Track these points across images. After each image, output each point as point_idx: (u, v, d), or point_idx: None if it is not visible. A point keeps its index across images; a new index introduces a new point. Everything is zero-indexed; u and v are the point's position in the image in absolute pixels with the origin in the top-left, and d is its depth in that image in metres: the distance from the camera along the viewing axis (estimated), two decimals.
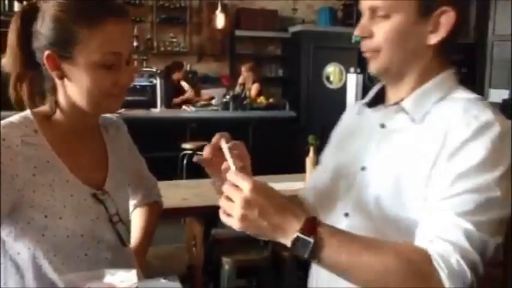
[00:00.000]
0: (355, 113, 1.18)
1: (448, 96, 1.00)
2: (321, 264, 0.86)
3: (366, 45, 1.03)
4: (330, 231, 0.85)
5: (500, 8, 7.70)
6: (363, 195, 1.02)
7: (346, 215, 1.05)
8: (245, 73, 6.39)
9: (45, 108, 1.08)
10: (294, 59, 7.18)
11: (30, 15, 1.03)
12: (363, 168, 1.05)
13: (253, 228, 0.86)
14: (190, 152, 4.68)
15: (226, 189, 0.87)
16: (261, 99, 6.05)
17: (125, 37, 1.04)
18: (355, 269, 0.84)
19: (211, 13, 6.95)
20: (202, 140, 5.11)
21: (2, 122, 1.02)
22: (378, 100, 1.11)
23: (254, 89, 6.31)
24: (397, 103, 1.04)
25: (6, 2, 6.27)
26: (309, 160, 2.65)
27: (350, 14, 7.31)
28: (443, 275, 0.82)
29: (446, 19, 0.97)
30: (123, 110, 5.04)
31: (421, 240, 0.87)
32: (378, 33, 1.00)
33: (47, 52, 1.01)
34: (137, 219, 1.38)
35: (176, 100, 6.10)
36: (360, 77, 7.33)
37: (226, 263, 2.45)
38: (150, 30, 7.07)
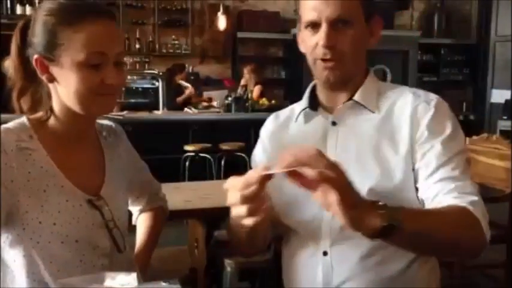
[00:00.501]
0: (300, 122, 1.23)
1: (382, 90, 1.16)
2: (400, 234, 0.85)
3: (333, 53, 1.08)
4: (401, 211, 0.88)
5: (503, 9, 7.70)
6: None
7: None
8: (247, 75, 6.39)
9: (40, 114, 1.09)
10: (296, 61, 7.18)
11: (26, 27, 1.06)
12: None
13: (341, 184, 0.79)
14: (192, 153, 4.68)
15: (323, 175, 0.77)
16: (263, 101, 6.04)
17: (109, 37, 1.04)
18: (433, 231, 0.93)
19: (213, 15, 6.96)
20: (204, 142, 5.13)
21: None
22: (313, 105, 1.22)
23: (256, 90, 6.31)
24: (347, 101, 1.14)
25: (9, 5, 6.28)
26: None
27: None
28: (483, 223, 0.97)
29: (378, 25, 1.16)
30: (125, 112, 5.08)
31: (449, 199, 1.00)
32: (342, 42, 1.08)
33: (35, 56, 1.03)
34: (142, 224, 1.38)
35: (179, 99, 6.11)
36: None
37: (229, 265, 2.45)
38: (152, 32, 7.08)
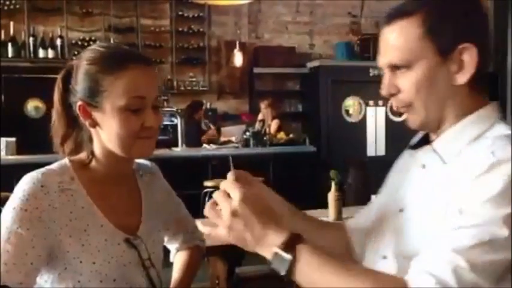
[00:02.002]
0: (408, 155, 1.12)
1: (485, 134, 0.94)
2: (297, 282, 0.86)
3: (396, 102, 1.00)
4: (310, 251, 0.86)
5: None
6: (401, 238, 0.99)
7: (384, 257, 1.02)
8: (264, 109, 6.44)
9: (81, 156, 1.14)
10: (313, 94, 7.22)
11: (68, 75, 1.12)
12: (401, 210, 1.02)
13: (237, 239, 0.89)
14: (212, 189, 4.69)
15: (217, 196, 0.90)
16: (281, 135, 6.06)
17: (148, 82, 1.10)
18: None
19: (230, 52, 7.07)
20: (223, 177, 5.07)
21: (42, 169, 1.08)
22: (427, 139, 1.06)
23: (274, 124, 6.34)
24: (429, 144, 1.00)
25: (32, 48, 6.48)
26: (331, 195, 2.63)
27: (367, 48, 7.35)
28: None
29: (469, 56, 0.92)
30: None
31: (410, 272, 0.83)
32: (404, 88, 0.97)
33: (78, 103, 1.08)
34: (178, 262, 1.38)
35: (204, 138, 6.18)
36: (380, 109, 7.33)
37: None
38: (170, 71, 7.21)
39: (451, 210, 0.85)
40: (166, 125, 6.69)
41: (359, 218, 1.22)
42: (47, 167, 1.10)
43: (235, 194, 0.88)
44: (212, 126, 6.50)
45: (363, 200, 3.35)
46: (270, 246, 0.87)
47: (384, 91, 1.00)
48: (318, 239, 1.16)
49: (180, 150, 5.49)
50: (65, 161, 1.13)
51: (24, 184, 1.04)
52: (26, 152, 4.86)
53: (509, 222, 0.79)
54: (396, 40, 0.95)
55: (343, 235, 1.20)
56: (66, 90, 1.11)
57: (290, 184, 4.93)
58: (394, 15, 0.96)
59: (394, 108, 1.02)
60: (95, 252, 1.05)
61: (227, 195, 0.90)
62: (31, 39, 6.45)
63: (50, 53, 6.49)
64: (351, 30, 7.65)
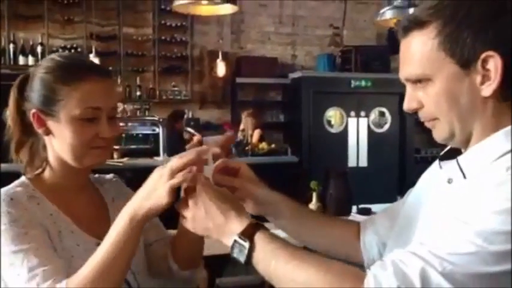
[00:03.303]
0: (437, 166, 1.05)
1: (509, 152, 0.84)
2: (258, 270, 0.87)
3: (421, 116, 0.95)
4: (268, 238, 0.87)
5: None
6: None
7: None
8: (244, 119, 6.44)
9: (37, 170, 1.15)
10: (295, 104, 7.25)
11: (24, 83, 1.13)
12: (415, 225, 0.99)
13: (201, 229, 0.93)
14: None
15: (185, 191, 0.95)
16: (263, 145, 6.06)
17: (105, 93, 1.11)
18: (279, 276, 0.84)
19: (213, 62, 7.09)
20: None
21: (2, 188, 1.09)
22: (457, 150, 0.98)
23: (256, 135, 6.34)
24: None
25: (11, 55, 6.39)
26: (311, 206, 2.64)
27: (348, 60, 7.44)
28: None
29: (493, 64, 0.84)
30: (126, 159, 5.08)
31: (375, 264, 0.80)
32: (427, 102, 0.91)
33: (32, 111, 1.09)
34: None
35: (188, 147, 6.14)
36: (362, 120, 7.39)
37: None
38: (152, 79, 7.18)
39: (451, 219, 0.81)
40: (148, 134, 6.65)
41: (377, 220, 1.19)
42: (5, 187, 1.10)
43: (198, 185, 0.92)
44: (197, 134, 6.46)
45: (344, 210, 3.37)
46: (230, 234, 0.89)
47: (405, 106, 0.95)
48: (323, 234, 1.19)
49: (161, 159, 5.45)
50: (22, 178, 1.14)
51: None
52: (3, 160, 4.78)
53: (502, 239, 0.74)
54: (412, 53, 0.91)
55: (353, 232, 1.19)
56: (22, 97, 1.12)
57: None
58: (408, 27, 0.91)
59: (421, 120, 0.95)
60: (68, 258, 1.05)
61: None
62: (11, 45, 6.39)
63: (30, 60, 6.42)
64: (332, 41, 7.72)
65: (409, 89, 0.94)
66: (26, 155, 1.15)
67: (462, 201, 0.82)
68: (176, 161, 0.95)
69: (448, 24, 0.87)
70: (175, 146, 6.10)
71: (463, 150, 0.95)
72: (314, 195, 2.63)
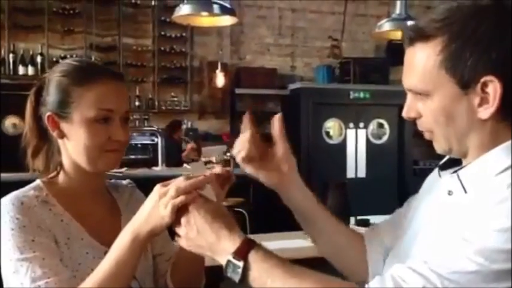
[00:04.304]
0: (437, 175, 1.05)
1: (510, 168, 0.84)
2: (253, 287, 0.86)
3: (419, 125, 0.96)
4: (262, 257, 0.86)
5: None
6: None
7: None
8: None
9: (51, 175, 1.15)
10: (294, 116, 7.25)
11: (41, 89, 1.14)
12: (420, 233, 0.98)
13: (194, 247, 0.93)
14: None
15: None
16: None
17: (118, 96, 1.12)
18: None
19: (212, 72, 7.11)
20: None
21: (14, 192, 1.08)
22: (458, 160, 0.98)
23: None
24: (456, 171, 0.94)
25: (11, 66, 6.40)
26: None
27: (347, 72, 7.47)
28: None
29: (493, 89, 0.84)
30: (125, 169, 5.07)
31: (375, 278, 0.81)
32: (424, 114, 0.92)
33: (47, 114, 1.10)
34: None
35: (184, 155, 6.14)
36: (361, 131, 7.40)
37: None
38: (151, 90, 7.19)
39: (452, 236, 0.81)
40: (147, 144, 6.65)
41: (381, 230, 1.19)
42: (19, 190, 1.10)
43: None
44: (190, 140, 6.46)
45: (343, 221, 3.36)
46: (223, 253, 0.88)
47: (404, 114, 0.96)
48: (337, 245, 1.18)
49: (160, 169, 5.44)
50: (36, 181, 1.14)
51: (6, 210, 1.03)
52: (2, 170, 4.77)
53: (504, 258, 0.74)
54: (415, 65, 0.91)
55: (358, 243, 1.19)
56: (38, 103, 1.13)
57: (270, 206, 4.91)
58: (414, 38, 0.91)
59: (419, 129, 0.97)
60: (75, 265, 1.05)
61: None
62: (11, 55, 6.39)
63: (30, 70, 6.43)
64: (331, 53, 7.76)
65: (409, 97, 0.95)
66: (43, 160, 1.16)
67: (463, 218, 0.83)
68: (182, 182, 0.95)
69: (454, 41, 0.86)
70: (173, 155, 6.10)
71: (463, 162, 0.96)
72: None
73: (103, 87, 1.09)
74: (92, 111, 1.07)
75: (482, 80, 0.85)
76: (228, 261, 0.87)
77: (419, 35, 0.90)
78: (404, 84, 0.95)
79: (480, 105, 0.87)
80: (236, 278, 0.85)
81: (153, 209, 0.95)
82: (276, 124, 1.07)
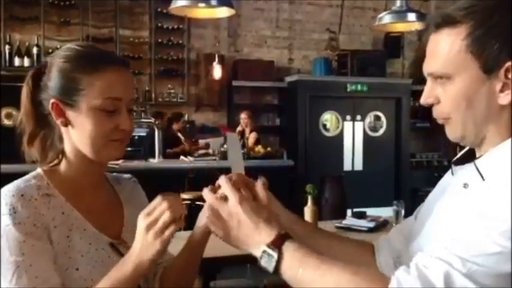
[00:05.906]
0: (450, 173, 1.06)
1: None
2: (286, 280, 0.88)
3: (435, 112, 0.97)
4: (295, 247, 0.89)
5: None
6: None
7: None
8: (245, 120, 6.44)
9: (52, 164, 1.11)
10: (291, 108, 7.27)
11: (39, 73, 1.09)
12: (432, 231, 0.99)
13: (231, 238, 0.95)
14: (188, 202, 4.65)
15: (212, 200, 0.98)
16: (259, 148, 6.07)
17: (125, 84, 1.10)
18: (307, 283, 0.86)
19: (209, 65, 7.09)
20: (200, 190, 5.04)
21: (16, 181, 1.05)
22: (471, 155, 0.99)
23: (252, 138, 6.35)
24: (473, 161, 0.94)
25: (7, 57, 6.38)
26: (307, 209, 2.63)
27: (344, 64, 7.47)
28: None
29: None
30: (121, 161, 5.06)
31: (399, 269, 0.82)
32: (443, 99, 0.94)
33: (52, 100, 1.06)
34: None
35: (169, 151, 6.12)
36: (358, 124, 7.41)
37: None
38: (148, 82, 7.18)
39: (471, 221, 0.82)
40: (143, 136, 6.64)
41: (391, 237, 1.19)
42: (21, 178, 1.07)
43: (232, 196, 0.95)
44: (183, 138, 6.46)
45: (340, 214, 3.38)
46: (259, 244, 0.90)
47: (422, 99, 0.97)
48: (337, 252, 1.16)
49: (156, 162, 5.44)
50: (37, 169, 1.10)
51: (5, 199, 1.00)
52: (15, 161, 4.75)
53: None
54: (439, 49, 0.93)
55: (367, 252, 1.18)
56: (36, 88, 1.09)
57: None
58: (440, 23, 0.93)
59: (434, 116, 0.97)
60: (78, 257, 1.03)
61: (223, 199, 0.97)
62: (7, 47, 6.37)
63: (26, 62, 6.41)
64: (329, 46, 7.75)
65: (429, 83, 0.96)
66: (39, 147, 1.11)
67: (483, 203, 0.83)
68: (168, 215, 0.94)
69: (479, 27, 0.89)
70: (170, 147, 6.11)
71: (477, 153, 0.97)
72: (310, 198, 2.62)
73: (111, 76, 1.06)
74: (99, 100, 1.04)
75: (507, 65, 0.87)
76: (264, 252, 0.89)
77: (446, 22, 0.92)
78: (425, 70, 0.96)
79: (502, 90, 0.88)
80: (270, 267, 0.88)
81: (143, 242, 0.94)
82: (262, 193, 1.04)
